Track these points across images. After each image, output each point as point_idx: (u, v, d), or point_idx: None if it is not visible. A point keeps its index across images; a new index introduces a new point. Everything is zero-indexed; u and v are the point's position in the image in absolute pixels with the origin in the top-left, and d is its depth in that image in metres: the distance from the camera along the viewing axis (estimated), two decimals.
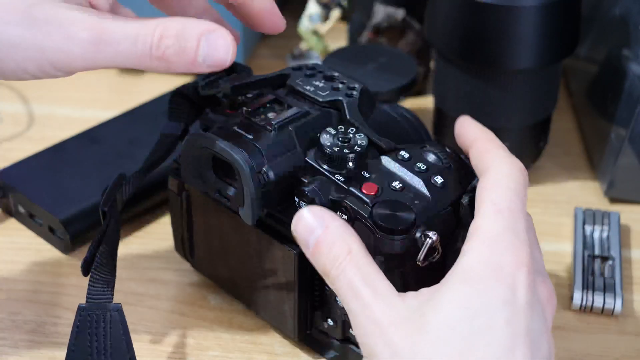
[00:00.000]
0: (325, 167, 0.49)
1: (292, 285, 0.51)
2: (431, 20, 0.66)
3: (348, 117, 0.51)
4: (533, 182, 0.69)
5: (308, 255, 0.46)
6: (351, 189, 0.48)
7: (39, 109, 0.77)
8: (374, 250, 0.46)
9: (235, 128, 0.50)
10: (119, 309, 0.49)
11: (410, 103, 0.76)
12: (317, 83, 0.53)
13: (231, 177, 0.50)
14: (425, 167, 0.49)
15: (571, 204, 0.67)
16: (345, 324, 0.51)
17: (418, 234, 0.46)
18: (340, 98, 0.52)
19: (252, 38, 0.84)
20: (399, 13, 0.75)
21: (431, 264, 0.47)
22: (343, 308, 0.48)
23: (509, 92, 0.64)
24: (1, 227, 0.65)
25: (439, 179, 0.49)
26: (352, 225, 0.46)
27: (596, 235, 0.63)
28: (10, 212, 0.65)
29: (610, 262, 0.61)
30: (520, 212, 0.45)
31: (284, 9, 0.90)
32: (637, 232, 0.65)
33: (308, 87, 0.52)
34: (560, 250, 0.63)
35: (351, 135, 0.50)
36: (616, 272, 0.60)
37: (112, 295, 0.49)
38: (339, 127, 0.50)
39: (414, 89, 0.73)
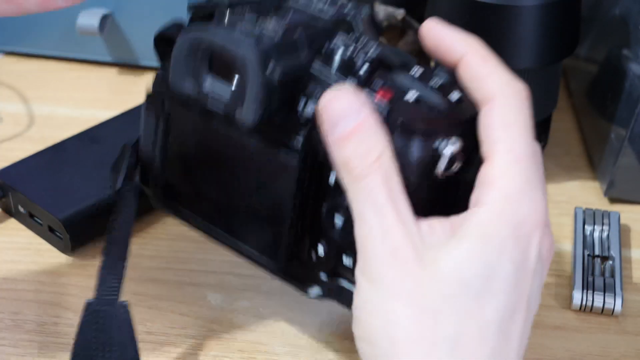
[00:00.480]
0: (335, 72, 0.45)
1: (288, 199, 0.46)
2: None
3: (361, 30, 0.47)
4: None
5: (330, 139, 0.42)
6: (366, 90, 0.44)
7: (39, 109, 0.77)
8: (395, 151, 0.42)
9: (239, 24, 0.46)
10: (125, 306, 0.49)
11: None
12: (320, 6, 0.48)
13: (228, 78, 0.45)
14: (440, 83, 0.44)
15: (571, 204, 0.67)
16: (341, 249, 0.46)
17: (437, 143, 0.42)
18: (348, 12, 0.47)
19: None
20: (399, 13, 0.75)
21: (447, 183, 0.43)
22: (341, 231, 0.45)
23: None
24: (1, 227, 0.65)
25: (455, 95, 0.44)
26: None
27: (596, 235, 0.63)
28: (10, 212, 0.65)
29: (610, 262, 0.61)
30: (536, 155, 0.42)
31: None
32: (637, 232, 0.65)
33: (312, 6, 0.48)
34: (560, 250, 0.63)
35: (364, 42, 0.45)
36: (616, 272, 0.60)
37: (120, 292, 0.49)
38: (350, 34, 0.46)
39: None
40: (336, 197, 0.45)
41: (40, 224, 0.63)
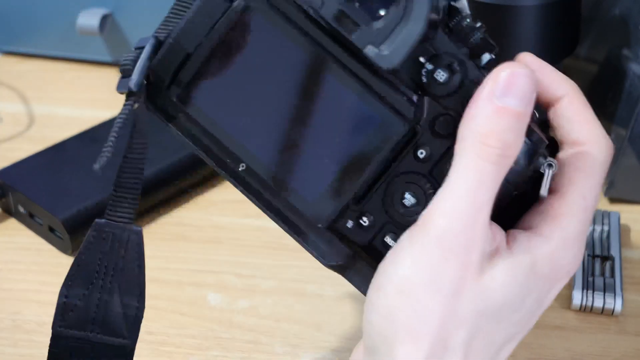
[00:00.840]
0: (457, 43, 0.42)
1: (372, 159, 0.43)
2: None
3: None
4: None
5: (491, 101, 0.40)
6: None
7: (39, 109, 0.77)
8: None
9: None
10: (139, 232, 0.46)
11: None
12: None
13: (372, 5, 0.41)
14: None
15: None
16: (385, 228, 0.44)
17: (540, 163, 0.42)
18: None
19: None
20: None
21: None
22: (406, 209, 0.43)
23: None
24: (1, 227, 0.65)
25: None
26: None
27: (596, 235, 0.63)
28: (10, 212, 0.65)
29: (610, 262, 0.61)
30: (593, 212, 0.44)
31: None
32: (637, 232, 0.65)
33: None
34: None
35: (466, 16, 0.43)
36: (616, 272, 0.60)
37: (133, 217, 0.46)
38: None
39: None
40: (419, 174, 0.43)
41: (41, 224, 0.63)
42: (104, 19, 0.78)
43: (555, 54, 0.64)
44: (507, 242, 0.42)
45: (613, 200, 0.68)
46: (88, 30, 0.78)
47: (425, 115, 0.42)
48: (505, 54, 0.63)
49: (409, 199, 0.43)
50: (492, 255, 0.41)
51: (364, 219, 0.44)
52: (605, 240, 0.63)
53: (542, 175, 0.42)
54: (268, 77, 0.43)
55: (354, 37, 0.41)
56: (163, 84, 0.44)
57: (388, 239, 0.44)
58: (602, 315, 0.59)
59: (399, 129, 0.42)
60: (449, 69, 0.41)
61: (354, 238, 0.44)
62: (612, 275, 0.60)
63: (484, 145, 0.39)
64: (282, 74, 0.43)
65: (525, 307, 0.41)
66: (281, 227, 0.45)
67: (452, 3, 0.43)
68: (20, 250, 0.63)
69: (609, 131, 0.66)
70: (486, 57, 0.43)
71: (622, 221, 0.65)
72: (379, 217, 0.44)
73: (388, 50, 0.40)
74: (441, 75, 0.42)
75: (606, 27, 0.71)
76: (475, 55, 0.43)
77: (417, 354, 0.39)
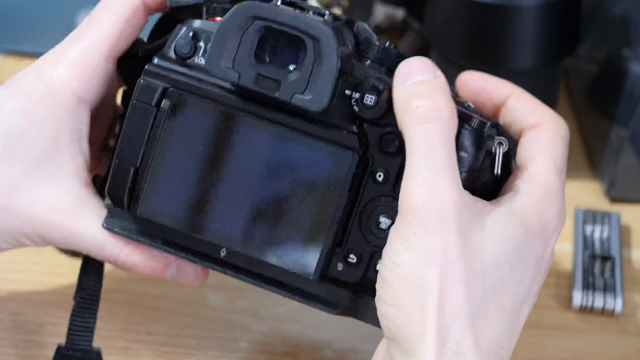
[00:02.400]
0: (375, 65, 0.44)
1: (336, 198, 0.44)
2: (431, 20, 0.66)
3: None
4: None
5: (401, 87, 0.42)
6: None
7: None
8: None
9: (281, 6, 0.43)
10: (98, 353, 0.50)
11: None
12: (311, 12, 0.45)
13: (283, 60, 0.43)
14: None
15: (571, 204, 0.67)
16: (374, 256, 0.45)
17: (489, 144, 0.44)
18: (354, 20, 0.46)
19: None
20: (399, 13, 0.75)
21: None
22: (385, 232, 0.44)
23: None
24: None
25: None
26: None
27: (596, 235, 0.63)
28: None
29: (610, 262, 0.61)
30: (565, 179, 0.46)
31: None
32: (638, 232, 0.65)
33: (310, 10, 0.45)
34: (561, 250, 0.63)
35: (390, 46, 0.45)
36: (616, 272, 0.60)
37: (92, 338, 0.50)
38: (376, 37, 0.46)
39: None
40: (383, 196, 0.44)
41: None
42: None
43: (555, 54, 0.64)
44: (493, 203, 0.43)
45: (613, 200, 0.68)
46: None
47: (369, 141, 0.44)
48: (505, 54, 0.63)
49: (384, 222, 0.44)
50: (478, 214, 0.41)
51: (351, 256, 0.45)
52: (606, 240, 0.63)
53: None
54: (216, 158, 0.45)
55: (279, 94, 0.42)
56: (124, 206, 0.46)
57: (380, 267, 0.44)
58: (602, 316, 0.59)
59: (350, 162, 0.44)
60: (375, 90, 0.43)
61: (349, 278, 0.45)
62: (613, 275, 0.60)
63: (415, 111, 0.41)
64: (229, 151, 0.45)
65: (524, 263, 0.42)
66: (280, 294, 0.46)
67: (355, 31, 0.45)
68: (20, 250, 0.63)
69: (609, 131, 0.66)
70: None
71: (622, 221, 0.65)
72: (365, 250, 0.45)
73: (313, 94, 0.42)
74: (370, 99, 0.43)
75: (606, 27, 0.71)
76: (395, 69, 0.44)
77: (433, 332, 0.39)
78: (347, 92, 0.44)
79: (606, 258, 0.61)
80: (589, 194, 0.69)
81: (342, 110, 0.44)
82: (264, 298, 0.59)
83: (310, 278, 0.45)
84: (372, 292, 0.43)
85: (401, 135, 0.42)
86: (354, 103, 0.44)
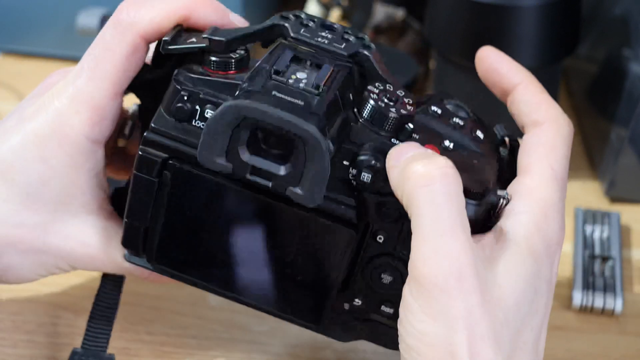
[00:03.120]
0: (373, 129, 0.44)
1: (336, 269, 0.45)
2: (431, 20, 0.66)
3: (380, 72, 0.45)
4: None
5: (395, 166, 0.41)
6: None
7: None
8: None
9: (275, 93, 0.42)
10: (112, 359, 0.51)
11: None
12: (324, 34, 0.45)
13: (275, 153, 0.43)
14: (461, 122, 0.46)
15: (571, 204, 0.67)
16: (381, 301, 0.47)
17: (493, 197, 0.43)
18: (363, 51, 0.45)
19: None
20: (399, 13, 0.75)
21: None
22: (388, 286, 0.45)
23: None
24: None
25: (480, 134, 0.46)
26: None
27: (596, 235, 0.63)
28: None
29: (610, 262, 0.61)
30: (566, 183, 0.45)
31: (284, 9, 0.90)
32: (638, 232, 0.65)
33: (320, 40, 0.45)
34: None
35: (394, 91, 0.45)
36: (616, 272, 0.60)
37: (107, 344, 0.51)
38: (376, 84, 0.45)
39: (414, 88, 0.73)
40: (383, 256, 0.45)
41: None
42: (104, 19, 0.78)
43: (555, 54, 0.64)
44: (496, 234, 0.42)
45: (613, 200, 0.68)
46: (87, 30, 0.78)
47: (368, 208, 0.44)
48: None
49: (385, 278, 0.46)
50: (489, 262, 0.41)
51: (357, 300, 0.47)
52: (605, 240, 0.63)
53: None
54: (219, 221, 0.46)
55: (272, 186, 0.42)
56: (139, 255, 0.48)
57: (385, 308, 0.47)
58: (602, 316, 0.59)
59: (349, 239, 0.45)
60: (371, 169, 0.43)
61: (356, 316, 0.47)
62: (613, 275, 0.60)
63: (416, 175, 0.40)
64: (230, 216, 0.46)
65: (539, 292, 0.42)
66: (294, 323, 0.49)
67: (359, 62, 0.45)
68: None
69: (609, 131, 0.66)
70: (408, 127, 0.44)
71: (622, 221, 0.65)
72: (370, 295, 0.47)
73: (305, 191, 0.42)
74: (367, 177, 0.43)
75: (606, 27, 0.71)
76: (397, 129, 0.44)
77: None
78: (345, 162, 0.44)
79: (606, 258, 0.61)
80: (589, 194, 0.69)
81: (340, 179, 0.44)
82: None
83: (317, 327, 0.48)
84: (376, 323, 0.47)
85: (399, 204, 0.42)
86: (351, 178, 0.43)
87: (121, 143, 0.53)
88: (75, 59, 0.82)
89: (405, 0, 0.75)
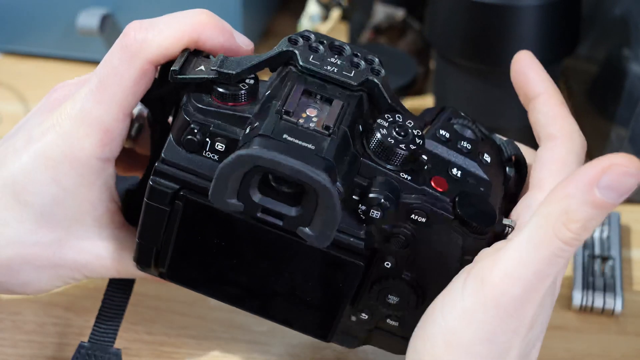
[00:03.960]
0: (382, 163, 0.44)
1: (344, 295, 0.47)
2: (431, 20, 0.66)
3: (390, 101, 0.45)
4: None
5: (582, 186, 0.38)
6: (425, 187, 0.44)
7: None
8: (463, 250, 0.44)
9: (287, 137, 0.42)
10: (118, 354, 0.51)
11: (410, 103, 0.76)
12: (333, 60, 0.45)
13: (286, 194, 0.43)
14: (468, 145, 0.46)
15: None
16: (387, 316, 0.48)
17: (498, 227, 0.44)
18: (372, 78, 0.45)
19: (251, 39, 0.84)
20: (399, 13, 0.75)
21: None
22: (395, 306, 0.47)
23: (509, 92, 0.64)
24: None
25: (487, 158, 0.47)
26: (431, 228, 0.44)
27: (596, 235, 0.63)
28: None
29: (610, 262, 0.61)
30: None
31: (284, 8, 0.90)
32: (637, 232, 0.65)
33: (329, 68, 0.45)
34: None
35: (403, 123, 0.44)
36: (616, 272, 0.60)
37: (115, 339, 0.52)
38: (386, 116, 0.44)
39: (414, 88, 0.73)
40: (391, 279, 0.46)
41: None
42: (104, 19, 0.78)
43: (555, 54, 0.64)
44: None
45: None
46: (88, 30, 0.78)
47: (376, 240, 0.45)
48: (505, 54, 0.63)
49: (392, 299, 0.47)
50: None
51: (363, 315, 0.48)
52: (605, 240, 0.63)
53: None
54: (233, 251, 0.47)
55: (284, 224, 0.43)
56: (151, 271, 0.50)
57: (391, 321, 0.48)
58: (602, 316, 0.59)
59: (357, 271, 0.46)
60: (380, 207, 0.43)
61: (361, 328, 0.49)
62: (613, 275, 0.60)
63: (566, 229, 0.39)
64: (239, 243, 0.46)
65: (544, 306, 0.42)
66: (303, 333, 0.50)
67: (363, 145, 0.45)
68: None
69: (609, 131, 0.66)
70: (422, 159, 0.45)
71: (622, 221, 0.65)
72: (376, 312, 0.48)
73: (315, 232, 0.42)
74: (376, 214, 0.43)
75: (606, 27, 0.71)
76: (409, 161, 0.44)
77: None
78: (355, 197, 0.44)
79: (606, 258, 0.61)
80: None
81: (349, 211, 0.44)
82: None
83: (326, 341, 0.49)
84: (382, 338, 0.49)
85: (407, 235, 0.44)
86: (360, 213, 0.44)
87: (128, 144, 0.53)
88: (75, 59, 0.83)
89: (405, 0, 0.75)
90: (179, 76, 0.44)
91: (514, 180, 0.48)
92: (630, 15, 0.66)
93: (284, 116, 0.42)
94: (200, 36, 0.45)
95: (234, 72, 0.44)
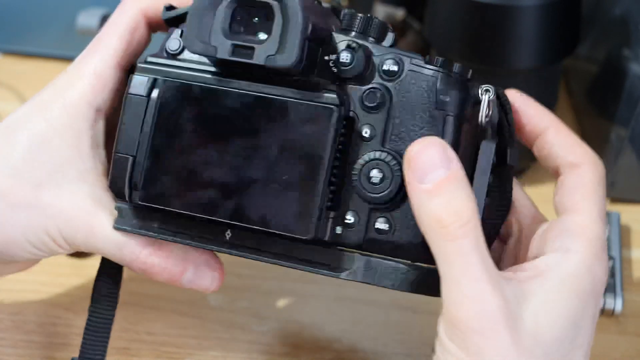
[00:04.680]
0: (355, 35, 0.46)
1: (323, 161, 0.45)
2: (431, 20, 0.66)
3: None
4: (533, 182, 0.69)
5: (418, 188, 0.41)
6: (393, 47, 0.46)
7: None
8: (437, 92, 0.44)
9: None
10: None
11: None
12: None
13: (253, 28, 0.46)
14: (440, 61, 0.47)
15: None
16: (372, 215, 0.45)
17: (477, 90, 0.45)
18: None
19: None
20: (399, 13, 0.75)
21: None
22: (378, 186, 0.45)
23: None
24: None
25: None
26: (403, 75, 0.45)
27: None
28: None
29: (610, 262, 0.61)
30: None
31: None
32: (637, 232, 0.65)
33: None
34: None
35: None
36: (616, 272, 0.60)
37: (104, 354, 0.51)
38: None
39: None
40: (373, 151, 0.45)
41: None
42: (104, 19, 0.78)
43: (555, 54, 0.64)
44: (538, 268, 0.43)
45: (613, 200, 0.68)
46: (87, 30, 0.78)
47: (352, 99, 0.45)
48: (505, 54, 0.63)
49: (375, 176, 0.45)
50: (524, 298, 0.41)
51: (348, 217, 0.45)
52: (605, 240, 0.63)
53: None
54: (206, 136, 0.46)
55: (255, 58, 0.44)
56: (125, 197, 0.48)
57: (380, 225, 0.45)
58: (602, 316, 0.59)
59: (331, 116, 0.45)
60: (349, 49, 0.45)
61: (351, 240, 0.45)
62: (612, 275, 0.60)
63: (443, 229, 0.41)
64: (217, 128, 0.46)
65: (583, 329, 0.42)
66: (287, 266, 0.47)
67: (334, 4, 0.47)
68: None
69: (609, 131, 0.66)
70: (390, 36, 0.47)
71: (622, 221, 0.65)
72: (361, 208, 0.45)
73: (284, 52, 0.44)
74: (345, 57, 0.45)
75: (606, 27, 0.71)
76: (379, 39, 0.46)
77: None
78: (326, 57, 0.46)
79: None
80: None
81: (324, 75, 0.46)
82: (264, 298, 0.59)
83: (307, 237, 0.45)
84: (379, 254, 0.45)
85: (382, 89, 0.44)
86: (332, 65, 0.45)
87: None
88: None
89: (405, 0, 0.75)
90: (167, 17, 0.49)
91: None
92: (630, 15, 0.66)
93: None
94: None
95: None
